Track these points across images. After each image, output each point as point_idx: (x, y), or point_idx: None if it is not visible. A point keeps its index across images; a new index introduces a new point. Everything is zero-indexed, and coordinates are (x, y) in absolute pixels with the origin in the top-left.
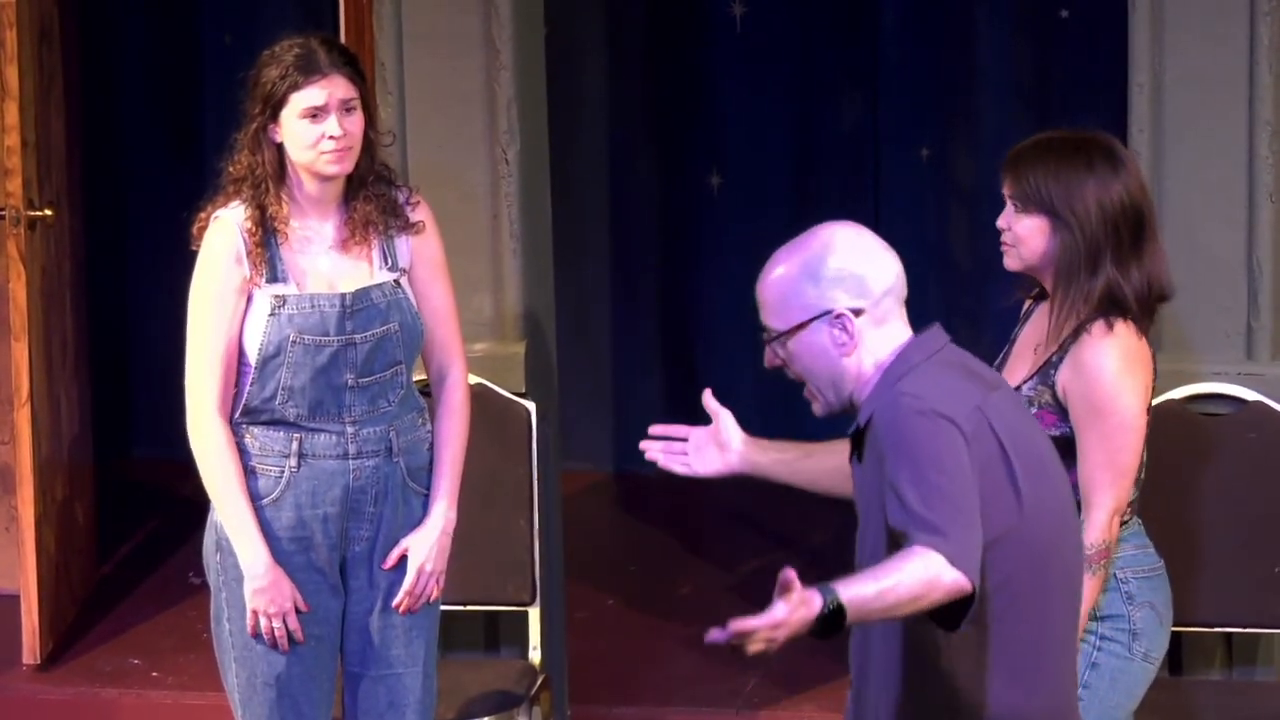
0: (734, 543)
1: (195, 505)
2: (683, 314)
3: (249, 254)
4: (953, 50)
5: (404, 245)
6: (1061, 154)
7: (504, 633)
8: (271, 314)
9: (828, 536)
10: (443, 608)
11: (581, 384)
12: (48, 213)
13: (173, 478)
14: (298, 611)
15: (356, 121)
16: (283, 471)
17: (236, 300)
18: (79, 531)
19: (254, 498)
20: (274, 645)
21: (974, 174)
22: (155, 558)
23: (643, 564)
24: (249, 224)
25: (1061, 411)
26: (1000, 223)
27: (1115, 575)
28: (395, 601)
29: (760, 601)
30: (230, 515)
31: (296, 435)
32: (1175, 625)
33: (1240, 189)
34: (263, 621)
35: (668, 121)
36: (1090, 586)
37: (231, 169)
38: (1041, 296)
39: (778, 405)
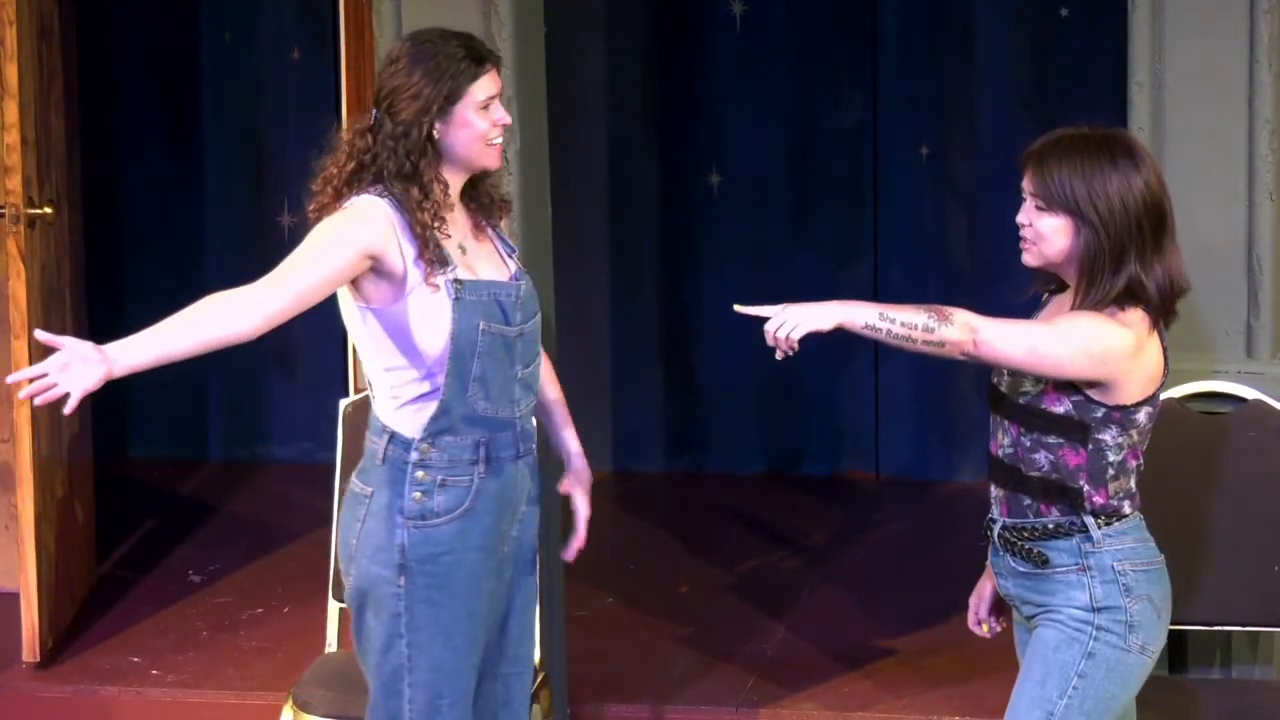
0: (733, 542)
1: (194, 504)
2: (682, 312)
3: (417, 241)
4: (952, 48)
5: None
6: (1085, 153)
7: None
8: (456, 299)
9: (828, 536)
10: None
11: (581, 382)
12: (47, 211)
13: (171, 477)
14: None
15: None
16: (471, 480)
17: (355, 257)
18: (78, 530)
19: (443, 513)
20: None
21: (973, 173)
22: (154, 556)
23: (642, 563)
24: (417, 211)
25: (1069, 386)
26: (1020, 218)
27: (1113, 567)
28: (568, 554)
29: (759, 601)
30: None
31: (483, 440)
32: (1175, 623)
33: (1240, 187)
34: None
35: (668, 120)
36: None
37: (361, 161)
38: (1060, 289)
39: (777, 402)
